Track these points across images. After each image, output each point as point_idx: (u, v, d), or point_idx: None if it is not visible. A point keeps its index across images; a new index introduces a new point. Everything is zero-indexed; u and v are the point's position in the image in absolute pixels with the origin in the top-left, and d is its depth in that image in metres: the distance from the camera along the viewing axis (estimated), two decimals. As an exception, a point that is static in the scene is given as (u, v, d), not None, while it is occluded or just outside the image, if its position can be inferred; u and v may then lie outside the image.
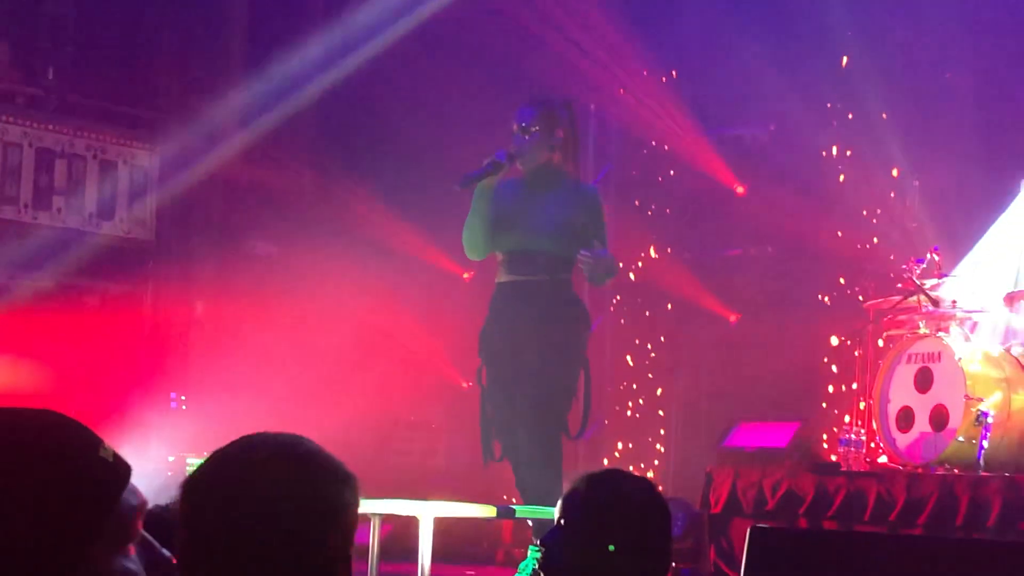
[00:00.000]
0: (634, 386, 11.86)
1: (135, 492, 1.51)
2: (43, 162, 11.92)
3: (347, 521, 2.06)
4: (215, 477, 2.03)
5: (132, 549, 1.52)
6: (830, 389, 10.20)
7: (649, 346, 11.78)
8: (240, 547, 1.92)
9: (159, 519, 2.53)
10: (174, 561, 1.57)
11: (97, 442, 1.50)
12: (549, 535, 3.30)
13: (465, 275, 12.13)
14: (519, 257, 6.64)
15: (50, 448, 1.45)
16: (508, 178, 6.80)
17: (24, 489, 1.42)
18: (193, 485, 2.01)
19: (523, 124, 6.68)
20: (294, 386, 11.15)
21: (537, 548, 6.32)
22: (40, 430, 1.48)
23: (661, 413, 11.60)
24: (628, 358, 11.86)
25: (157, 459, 10.77)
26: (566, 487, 3.38)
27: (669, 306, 11.53)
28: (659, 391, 11.70)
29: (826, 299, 10.47)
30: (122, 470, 1.51)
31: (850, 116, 10.38)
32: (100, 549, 1.46)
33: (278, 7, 12.56)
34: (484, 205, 6.65)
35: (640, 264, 11.76)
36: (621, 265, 6.94)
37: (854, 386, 8.89)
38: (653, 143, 11.70)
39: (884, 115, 10.10)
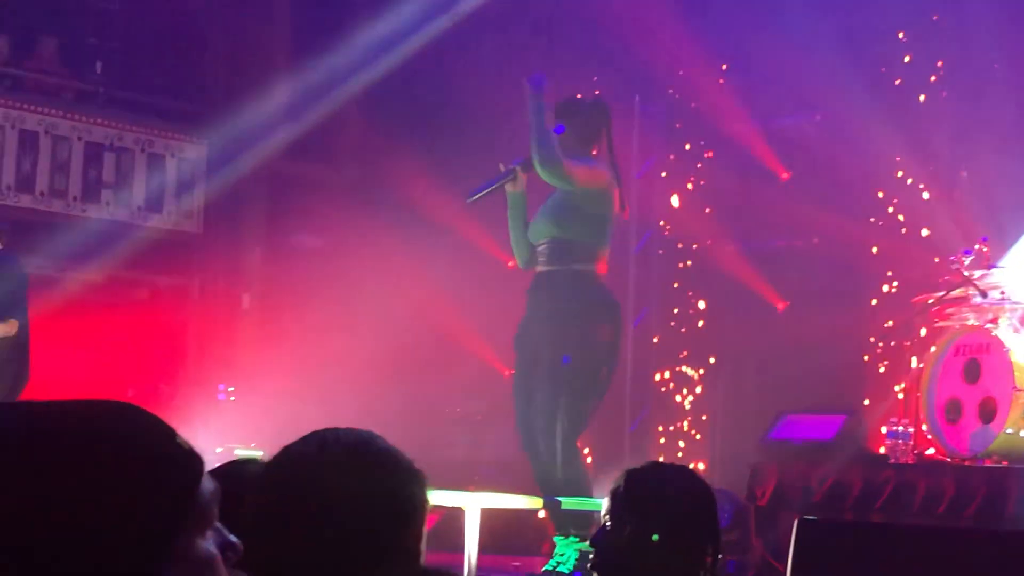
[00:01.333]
0: (679, 377, 11.83)
1: (209, 478, 1.55)
2: (92, 156, 12.02)
3: (420, 518, 2.08)
4: (290, 474, 2.06)
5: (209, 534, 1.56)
6: (877, 381, 10.14)
7: (695, 337, 11.76)
8: (313, 545, 1.95)
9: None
10: (240, 548, 1.60)
11: (173, 431, 1.54)
12: (598, 535, 3.31)
13: (510, 264, 12.13)
14: (543, 247, 6.65)
15: (132, 439, 1.49)
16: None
17: (109, 481, 1.45)
18: (267, 482, 2.03)
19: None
20: (340, 378, 11.19)
21: (565, 539, 6.33)
22: (119, 421, 1.51)
23: (706, 405, 11.58)
24: (672, 349, 11.84)
25: (205, 450, 10.75)
26: (609, 484, 3.38)
27: (715, 297, 11.50)
28: (704, 383, 11.68)
29: (873, 291, 10.41)
30: (199, 457, 1.55)
31: (898, 104, 10.31)
32: (184, 536, 1.50)
33: (324, 1, 12.60)
34: (516, 214, 6.70)
35: (688, 253, 11.73)
36: (561, 171, 6.77)
37: (901, 379, 8.83)
38: (699, 134, 11.66)
39: (932, 105, 10.04)
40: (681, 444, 11.68)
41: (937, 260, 9.04)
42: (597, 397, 6.65)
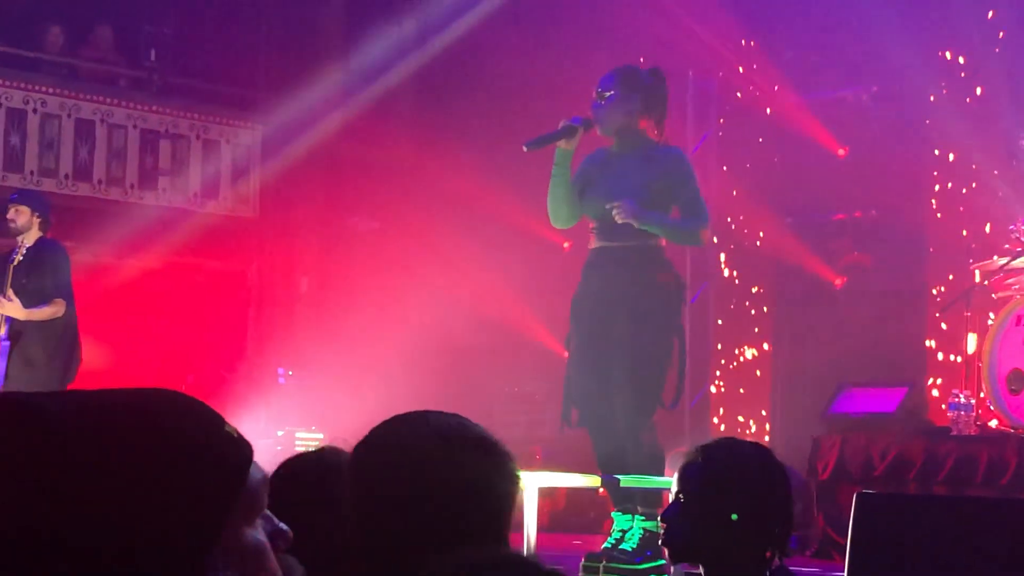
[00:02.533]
0: (737, 352, 11.78)
1: (258, 466, 1.55)
2: (147, 143, 12.10)
3: (509, 504, 2.08)
4: (382, 457, 2.06)
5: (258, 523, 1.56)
6: (939, 353, 10.05)
7: (753, 312, 11.70)
8: (400, 527, 1.96)
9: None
10: (290, 535, 1.60)
11: (221, 419, 1.53)
12: (669, 510, 3.27)
13: (565, 244, 12.11)
14: (603, 223, 6.59)
15: (179, 428, 1.48)
16: (599, 146, 6.76)
17: (158, 469, 1.45)
18: (361, 466, 2.04)
19: (600, 90, 6.64)
20: (397, 358, 11.21)
21: (643, 517, 6.29)
22: (168, 410, 1.51)
23: (766, 380, 11.52)
24: (731, 325, 11.78)
25: (265, 434, 10.90)
26: (681, 460, 3.33)
27: (773, 271, 11.43)
28: (763, 358, 11.62)
29: (932, 262, 10.31)
30: (247, 445, 1.54)
31: (956, 71, 10.20)
32: (233, 525, 1.50)
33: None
34: (561, 171, 6.62)
35: (744, 230, 11.67)
36: (704, 235, 6.72)
37: (962, 351, 8.74)
38: (753, 109, 11.58)
39: (990, 72, 9.91)
40: (740, 419, 11.63)
41: (999, 232, 8.94)
42: (670, 369, 6.59)
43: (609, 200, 6.44)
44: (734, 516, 3.14)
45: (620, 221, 6.33)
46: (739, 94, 11.67)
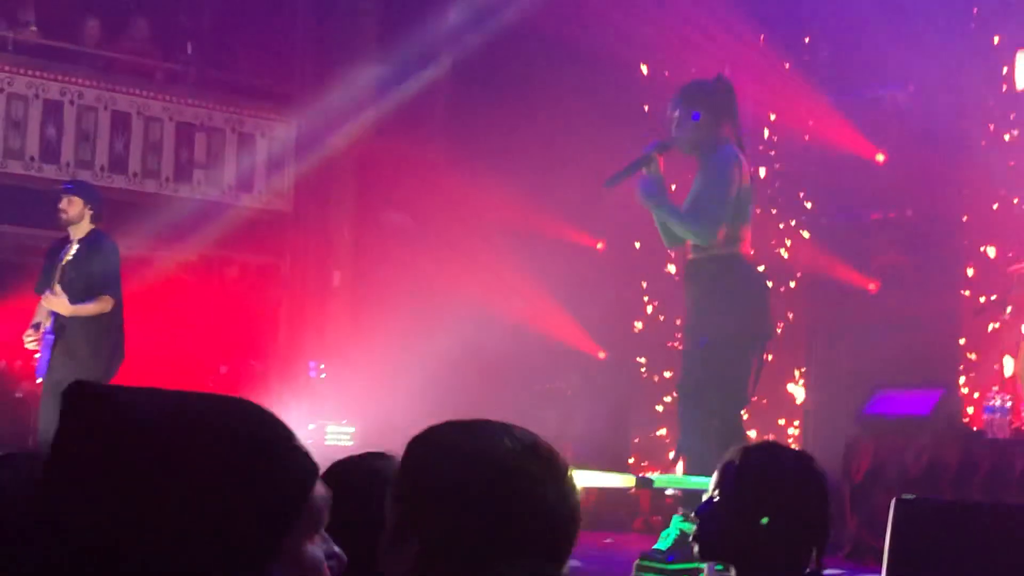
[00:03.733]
0: (773, 352, 11.75)
1: (322, 483, 1.55)
2: (183, 136, 12.14)
3: (576, 527, 2.06)
4: (459, 466, 2.04)
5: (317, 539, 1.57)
6: (974, 355, 10.00)
7: (790, 315, 11.66)
8: (478, 538, 1.95)
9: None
10: (345, 560, 1.60)
11: (292, 433, 1.54)
12: (704, 506, 3.29)
13: (599, 245, 12.12)
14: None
15: (252, 438, 1.50)
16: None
17: (228, 478, 1.47)
18: (427, 469, 2.03)
19: (669, 112, 6.79)
20: (431, 354, 11.22)
21: (682, 518, 6.31)
22: (241, 419, 1.52)
23: (800, 380, 11.48)
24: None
25: (297, 427, 10.88)
26: (722, 459, 3.35)
27: (807, 271, 11.38)
28: (797, 358, 11.58)
29: (968, 263, 10.26)
30: (313, 462, 1.55)
31: (993, 71, 10.14)
32: (293, 539, 1.50)
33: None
34: (655, 199, 6.75)
35: (778, 230, 11.63)
36: (698, 234, 6.77)
37: (998, 353, 8.70)
38: (783, 111, 11.54)
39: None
40: (771, 417, 11.60)
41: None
42: (752, 378, 6.71)
43: (684, 215, 6.63)
44: (764, 520, 3.15)
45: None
46: (763, 97, 11.63)
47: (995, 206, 10.07)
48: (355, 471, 2.68)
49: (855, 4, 10.73)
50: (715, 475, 3.28)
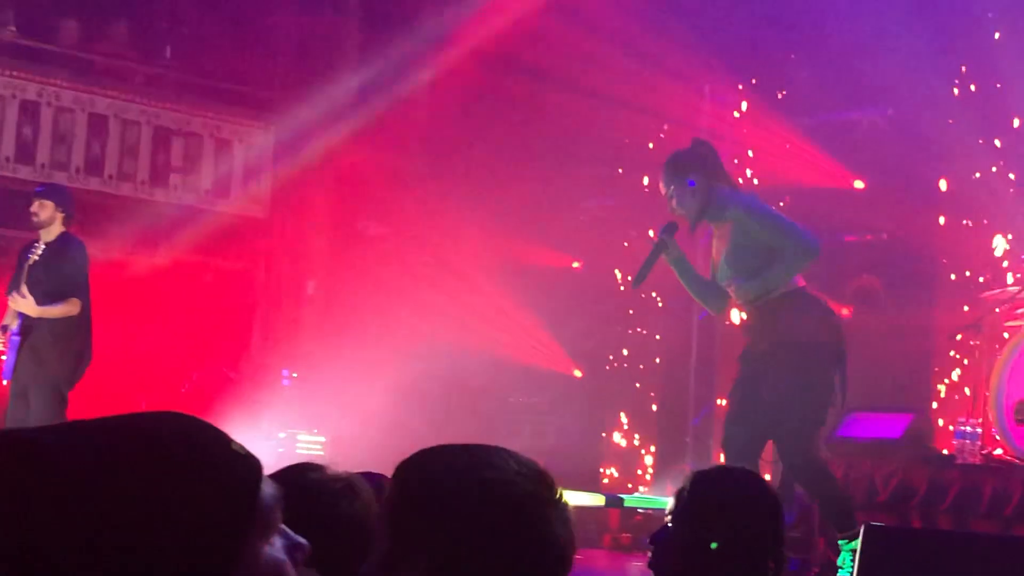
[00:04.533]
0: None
1: (269, 481, 1.53)
2: (160, 140, 12.09)
3: (571, 560, 2.05)
4: (458, 494, 2.02)
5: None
6: (945, 380, 10.03)
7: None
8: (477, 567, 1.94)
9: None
10: (308, 547, 1.58)
11: (228, 438, 1.52)
12: (659, 534, 3.31)
13: (575, 264, 12.15)
14: (729, 288, 6.79)
15: (185, 452, 1.47)
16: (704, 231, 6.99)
17: (167, 498, 1.44)
18: (413, 498, 2.01)
19: (664, 191, 6.83)
20: (403, 364, 11.20)
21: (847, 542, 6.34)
22: (170, 435, 1.49)
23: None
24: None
25: (268, 435, 10.89)
26: (672, 479, 3.38)
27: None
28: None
29: (941, 289, 10.29)
30: (256, 462, 1.53)
31: (971, 99, 10.18)
32: (248, 543, 1.48)
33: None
34: (685, 277, 6.83)
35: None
36: (806, 255, 6.81)
37: (970, 379, 8.73)
38: (767, 126, 11.57)
39: (1005, 100, 9.90)
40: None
41: (1009, 261, 8.92)
42: (831, 406, 6.79)
43: (722, 274, 6.69)
44: (714, 545, 3.17)
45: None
46: (748, 107, 11.66)
47: (966, 222, 10.10)
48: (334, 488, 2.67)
49: (834, 29, 10.76)
50: (670, 501, 3.30)
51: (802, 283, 6.80)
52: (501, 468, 2.01)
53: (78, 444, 1.45)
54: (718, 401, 11.75)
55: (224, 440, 1.49)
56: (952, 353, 9.81)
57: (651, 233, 7.00)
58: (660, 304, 12.02)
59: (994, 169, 9.90)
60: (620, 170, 12.08)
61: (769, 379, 6.62)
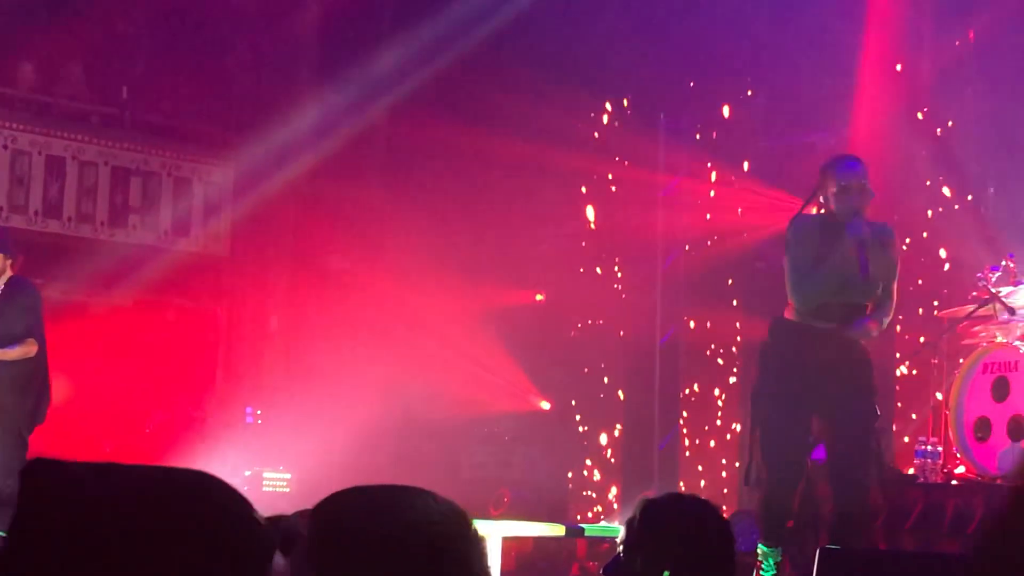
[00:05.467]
0: (708, 394, 11.79)
1: (280, 556, 1.56)
2: (118, 180, 12.05)
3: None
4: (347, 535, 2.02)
5: None
6: (905, 399, 10.07)
7: (724, 355, 11.71)
8: None
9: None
10: None
11: (251, 505, 1.55)
12: (611, 565, 3.31)
13: (538, 296, 12.17)
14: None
15: (209, 512, 1.50)
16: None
17: (186, 554, 1.47)
18: (335, 539, 2.01)
19: (857, 180, 6.85)
20: (368, 400, 11.18)
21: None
22: (198, 495, 1.52)
23: (735, 426, 11.52)
24: (702, 366, 11.80)
25: (233, 473, 10.84)
26: (629, 513, 3.38)
27: (742, 313, 11.43)
28: (732, 402, 11.62)
29: (900, 308, 10.33)
30: (272, 532, 1.56)
31: (925, 121, 10.26)
32: None
33: (349, 23, 12.62)
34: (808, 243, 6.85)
35: (715, 273, 11.69)
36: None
37: (930, 398, 8.76)
38: (725, 151, 11.63)
39: (959, 123, 9.98)
40: (714, 461, 11.64)
41: (966, 279, 8.97)
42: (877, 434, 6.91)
43: None
44: (666, 573, 3.18)
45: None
46: (704, 141, 11.73)
47: (930, 248, 10.17)
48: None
49: (790, 52, 10.84)
50: (622, 530, 3.31)
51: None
52: (420, 508, 2.02)
53: (118, 487, 1.48)
54: (681, 431, 11.79)
55: (246, 508, 1.53)
56: (912, 372, 9.86)
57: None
58: (622, 333, 12.05)
59: (947, 191, 9.98)
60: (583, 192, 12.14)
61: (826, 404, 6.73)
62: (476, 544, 2.03)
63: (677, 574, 3.16)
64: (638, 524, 3.27)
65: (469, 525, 2.05)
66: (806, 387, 6.63)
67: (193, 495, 1.52)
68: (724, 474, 11.44)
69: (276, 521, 2.77)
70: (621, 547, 3.30)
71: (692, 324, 11.79)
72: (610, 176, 12.00)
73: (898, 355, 10.10)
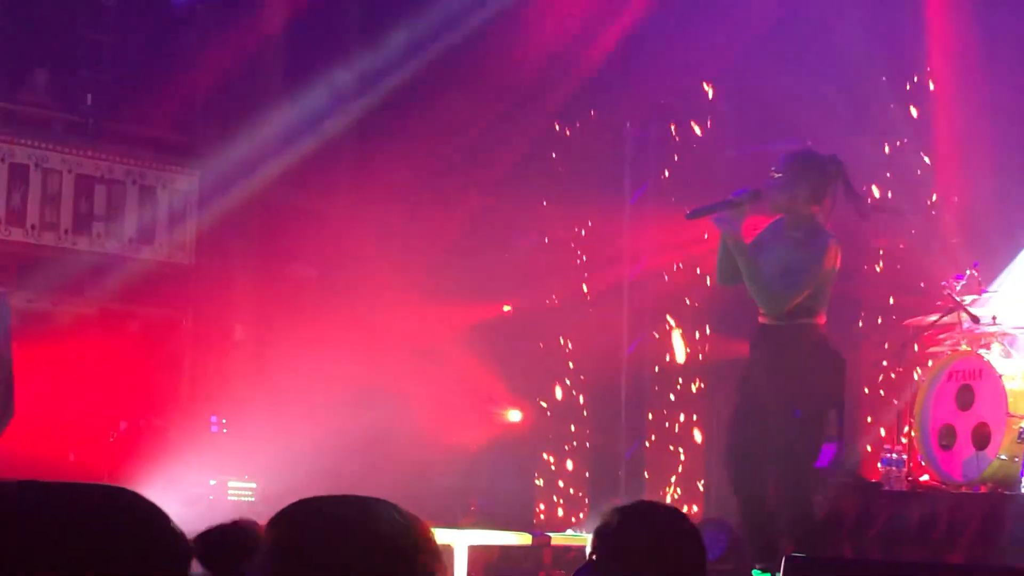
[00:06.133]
0: (675, 403, 11.81)
1: (198, 563, 1.56)
2: (82, 188, 11.98)
3: None
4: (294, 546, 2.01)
5: None
6: (870, 408, 10.11)
7: (690, 364, 11.73)
8: None
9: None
10: None
11: (167, 517, 1.55)
12: (581, 570, 3.31)
13: (506, 308, 12.18)
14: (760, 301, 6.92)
15: (127, 523, 1.49)
16: (775, 220, 7.09)
17: (104, 564, 1.46)
18: (295, 550, 1.99)
19: (773, 168, 6.96)
20: (334, 408, 11.15)
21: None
22: (116, 507, 1.52)
23: (700, 435, 11.54)
24: (668, 376, 11.82)
25: (198, 483, 10.79)
26: (599, 519, 3.39)
27: (707, 321, 11.46)
28: (699, 409, 11.64)
29: (865, 316, 10.38)
30: (189, 543, 1.56)
31: (888, 129, 10.31)
32: None
33: (315, 30, 12.59)
34: (729, 238, 6.89)
35: (679, 282, 11.72)
36: (776, 302, 6.96)
37: (895, 406, 8.81)
38: (690, 160, 11.66)
39: (922, 130, 10.03)
40: (680, 470, 11.65)
41: (931, 288, 9.02)
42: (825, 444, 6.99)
43: (764, 279, 6.78)
44: None
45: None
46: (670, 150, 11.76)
47: (894, 256, 10.21)
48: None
49: (753, 59, 10.87)
50: (591, 537, 3.30)
51: (823, 322, 7.01)
52: (382, 519, 2.01)
53: (35, 504, 1.47)
54: (646, 441, 11.80)
55: (161, 519, 1.52)
56: (876, 380, 9.91)
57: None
58: (588, 344, 12.06)
59: (937, 199, 10.01)
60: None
61: (774, 401, 6.81)
62: (431, 555, 2.03)
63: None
64: (612, 532, 3.26)
65: (425, 536, 2.04)
66: None
67: (107, 509, 1.51)
68: (689, 483, 11.45)
69: (237, 525, 2.76)
70: (593, 556, 3.29)
71: (657, 335, 11.80)
72: (576, 183, 12.00)
73: (863, 364, 10.14)
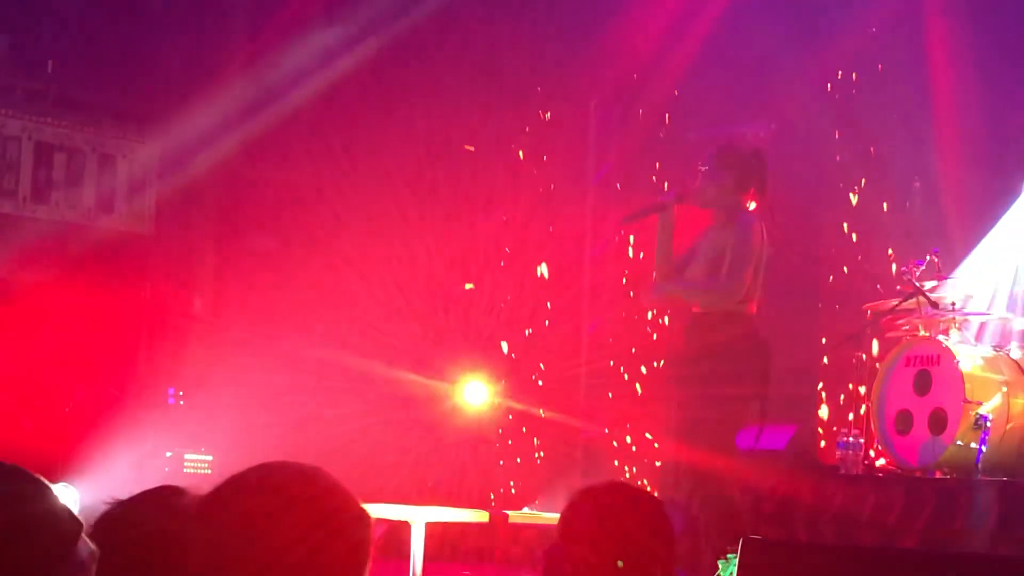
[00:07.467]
0: (632, 384, 11.84)
1: (86, 541, 1.53)
2: (42, 156, 11.88)
3: (363, 558, 2.06)
4: (228, 506, 2.02)
5: None
6: (828, 392, 10.16)
7: (647, 345, 11.75)
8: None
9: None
10: None
11: (53, 495, 1.52)
12: (552, 549, 3.31)
13: (468, 285, 12.16)
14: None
15: (10, 500, 1.46)
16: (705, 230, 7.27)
17: None
18: (207, 512, 1.99)
19: (700, 163, 7.25)
20: (292, 382, 11.12)
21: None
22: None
23: (659, 412, 11.57)
24: (625, 357, 11.84)
25: (154, 455, 10.75)
26: (564, 494, 3.40)
27: (667, 311, 11.48)
28: (655, 390, 11.66)
29: (824, 300, 10.42)
30: (77, 520, 1.53)
31: (851, 114, 10.34)
32: None
33: (280, 2, 12.52)
34: (664, 236, 7.18)
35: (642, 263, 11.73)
36: (722, 297, 7.17)
37: (852, 390, 8.85)
38: (656, 139, 11.66)
39: (884, 117, 10.06)
40: (634, 450, 11.67)
41: (890, 273, 9.06)
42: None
43: (701, 269, 7.00)
44: (620, 563, 3.17)
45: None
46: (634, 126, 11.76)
47: (855, 241, 10.25)
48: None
49: (722, 40, 10.87)
50: (560, 517, 3.30)
51: (754, 310, 7.22)
52: (311, 486, 2.04)
53: None
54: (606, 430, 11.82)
55: (46, 496, 1.50)
56: (835, 365, 9.94)
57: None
58: (548, 322, 12.07)
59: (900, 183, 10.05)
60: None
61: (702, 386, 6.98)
62: (364, 525, 2.06)
63: (630, 564, 3.17)
64: (583, 513, 3.26)
65: (357, 505, 2.08)
66: None
67: None
68: (646, 463, 11.48)
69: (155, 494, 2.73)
70: (563, 534, 3.28)
71: (623, 313, 11.82)
72: (543, 159, 11.98)
73: (822, 349, 10.19)
